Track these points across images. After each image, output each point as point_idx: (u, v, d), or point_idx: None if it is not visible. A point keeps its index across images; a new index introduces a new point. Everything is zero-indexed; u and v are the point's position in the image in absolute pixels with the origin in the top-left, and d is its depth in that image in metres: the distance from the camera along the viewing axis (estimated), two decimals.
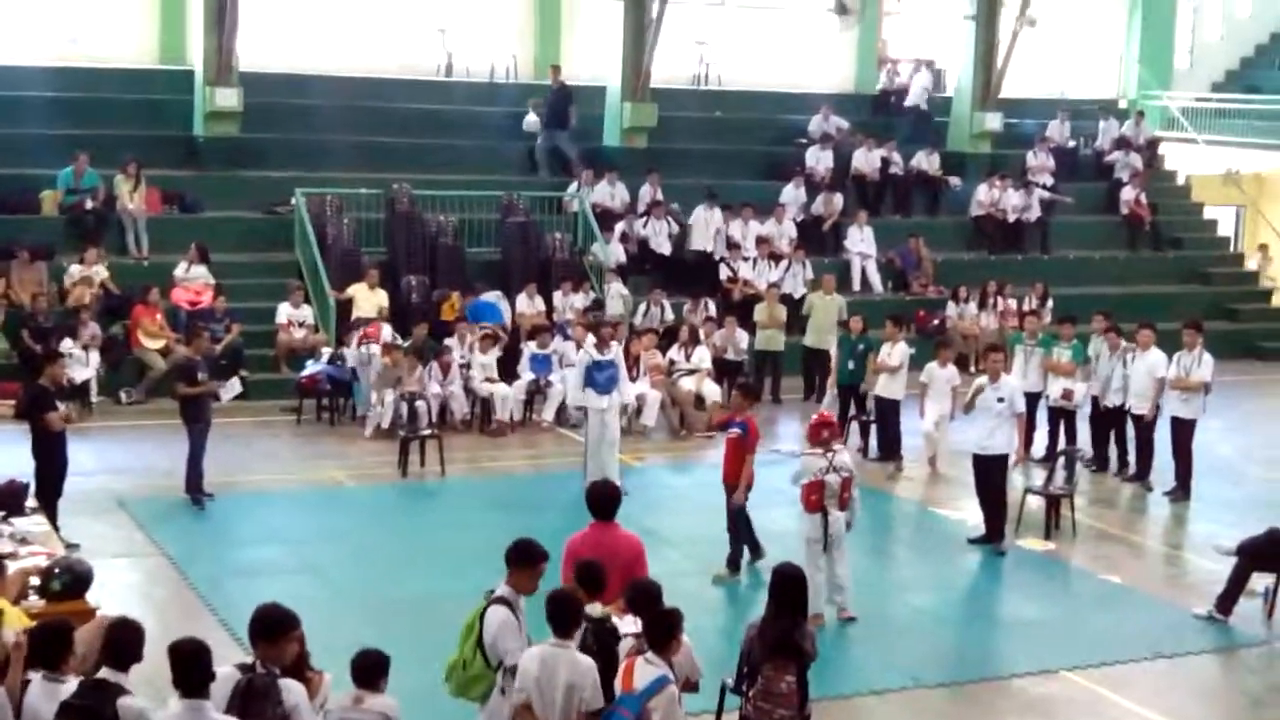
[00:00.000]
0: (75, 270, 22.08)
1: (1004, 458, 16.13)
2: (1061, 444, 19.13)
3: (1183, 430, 18.48)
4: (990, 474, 16.11)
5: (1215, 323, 26.87)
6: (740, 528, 14.68)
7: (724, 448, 14.78)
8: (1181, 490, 18.50)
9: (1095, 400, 19.32)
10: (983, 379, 16.52)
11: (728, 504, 14.57)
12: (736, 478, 14.43)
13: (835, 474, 13.27)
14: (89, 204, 23.30)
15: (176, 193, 24.91)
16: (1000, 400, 16.05)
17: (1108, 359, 19.24)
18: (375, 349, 20.65)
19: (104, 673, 7.55)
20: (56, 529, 14.31)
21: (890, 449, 19.61)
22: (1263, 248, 32.22)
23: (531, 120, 28.03)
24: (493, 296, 23.47)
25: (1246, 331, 29.67)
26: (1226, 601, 13.97)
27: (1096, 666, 12.79)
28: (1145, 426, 18.90)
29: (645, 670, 8.24)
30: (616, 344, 18.24)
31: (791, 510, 15.48)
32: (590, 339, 18.23)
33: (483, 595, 9.00)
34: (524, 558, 8.93)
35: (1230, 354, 25.88)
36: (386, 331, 21.39)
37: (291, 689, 7.70)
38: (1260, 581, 14.22)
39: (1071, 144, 32.36)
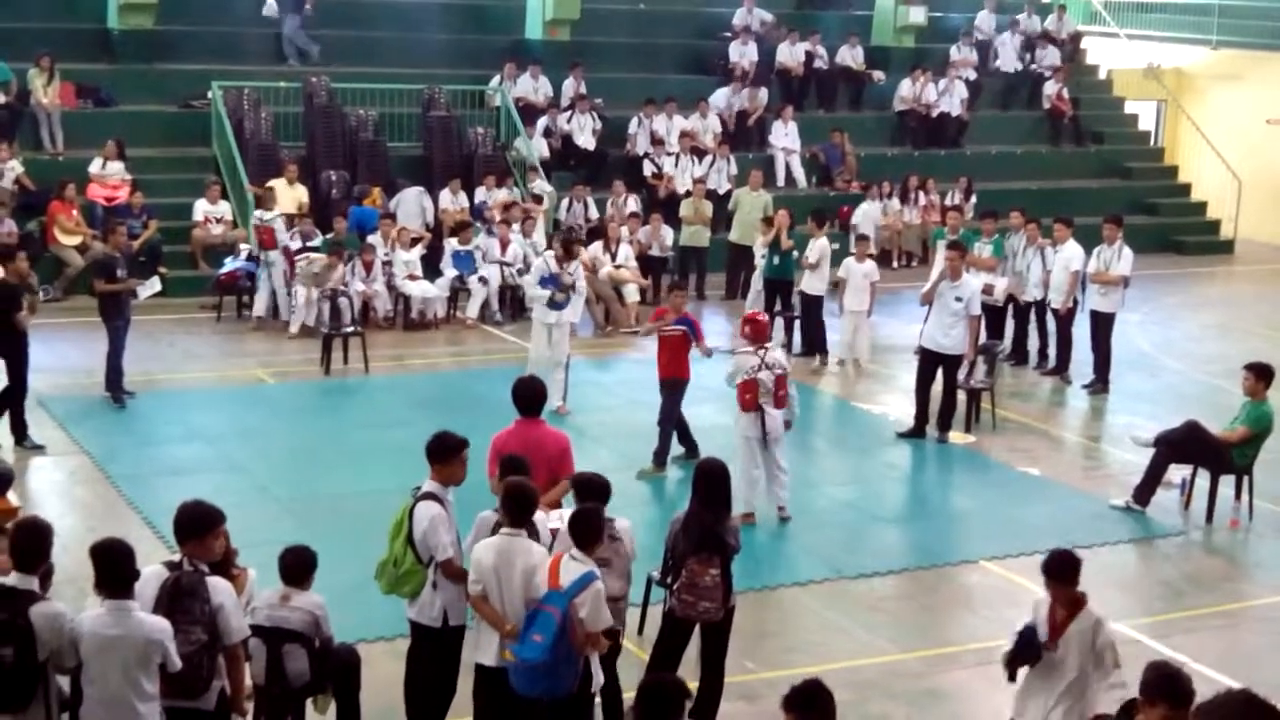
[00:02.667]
0: None
1: (960, 358, 16.31)
2: (982, 338, 19.26)
3: (1102, 323, 18.68)
4: (940, 370, 16.31)
5: (1135, 217, 27.17)
6: (672, 425, 14.74)
7: (658, 344, 14.82)
8: (1100, 383, 18.73)
9: (1012, 295, 19.44)
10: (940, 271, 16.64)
11: (666, 399, 14.63)
12: (676, 373, 14.47)
13: (768, 371, 13.30)
14: (1, 99, 22.83)
15: (91, 87, 24.45)
16: (958, 300, 16.13)
17: (1022, 253, 19.38)
18: (273, 254, 20.40)
19: (12, 579, 7.36)
20: (26, 428, 14.47)
21: (814, 344, 19.69)
22: None
23: (270, 5, 26.65)
24: (413, 191, 23.27)
25: (1166, 226, 29.94)
26: (1144, 492, 14.20)
27: (1015, 557, 12.98)
28: (1063, 320, 19.09)
29: (571, 567, 8.27)
30: (578, 262, 17.34)
31: (719, 406, 15.58)
32: (551, 252, 17.25)
33: (410, 492, 9.00)
34: (444, 450, 8.94)
35: (1149, 248, 26.17)
36: (283, 233, 20.90)
37: (218, 587, 7.68)
38: (1177, 473, 14.46)
39: (1001, 38, 32.32)
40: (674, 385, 14.64)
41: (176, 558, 7.80)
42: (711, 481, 9.55)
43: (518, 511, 8.53)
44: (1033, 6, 33.22)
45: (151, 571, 7.66)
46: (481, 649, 8.63)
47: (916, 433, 16.42)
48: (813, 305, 19.68)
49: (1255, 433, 14.03)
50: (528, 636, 8.13)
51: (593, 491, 9.03)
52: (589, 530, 8.45)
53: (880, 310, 19.73)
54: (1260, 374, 14.09)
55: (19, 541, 7.50)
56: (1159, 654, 10.92)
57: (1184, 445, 14.24)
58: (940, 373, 16.35)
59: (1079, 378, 18.99)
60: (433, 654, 8.99)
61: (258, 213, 20.91)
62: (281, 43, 26.32)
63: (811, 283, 19.62)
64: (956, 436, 16.47)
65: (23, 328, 14.58)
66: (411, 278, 21.02)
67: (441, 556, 8.74)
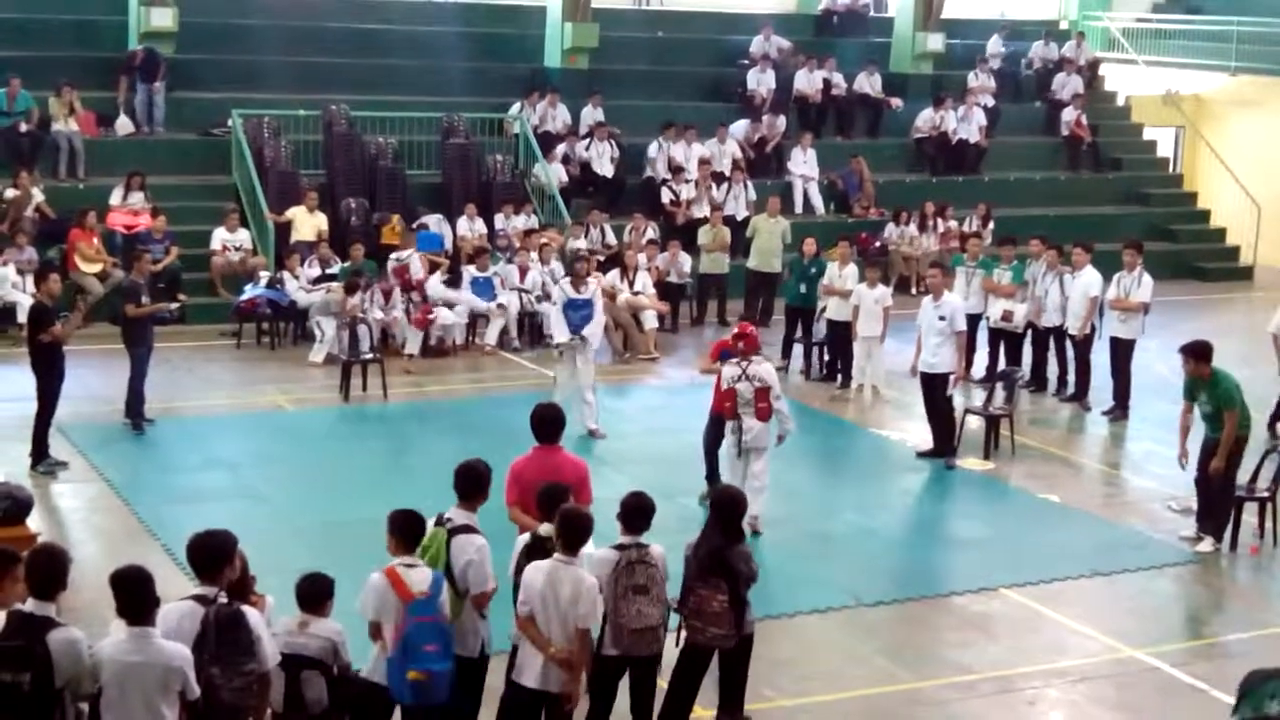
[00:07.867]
0: (9, 193, 21.77)
1: (948, 376, 16.27)
2: (1001, 365, 19.26)
3: (1122, 350, 18.63)
4: (935, 390, 16.32)
5: (1154, 243, 27.08)
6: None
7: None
8: (1120, 409, 18.67)
9: (1031, 321, 19.39)
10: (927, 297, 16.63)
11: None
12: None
13: (748, 383, 13.30)
14: (23, 126, 22.96)
15: (111, 115, 24.55)
16: (941, 319, 16.15)
17: (1042, 279, 19.34)
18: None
19: (30, 605, 7.33)
20: (47, 449, 14.52)
21: (842, 371, 19.62)
22: None
23: (124, 122, 24.54)
24: (433, 219, 23.34)
25: (1185, 252, 29.89)
26: (1219, 530, 13.99)
27: (1035, 584, 12.95)
28: (1082, 346, 19.05)
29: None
30: (594, 281, 17.36)
31: None
32: (565, 277, 17.29)
33: (439, 523, 8.92)
34: (478, 483, 9.01)
35: (1169, 274, 26.11)
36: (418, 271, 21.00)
37: (254, 615, 7.76)
38: (1194, 500, 14.37)
39: (1026, 69, 32.36)
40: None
41: (202, 590, 7.77)
42: (722, 507, 9.56)
43: (573, 540, 8.61)
44: (1051, 34, 33.28)
45: (185, 608, 7.65)
46: (524, 670, 8.65)
47: (937, 453, 16.41)
48: (840, 331, 19.58)
49: (1238, 408, 13.71)
50: None
51: (642, 513, 9.09)
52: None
53: (897, 336, 19.67)
54: (1199, 355, 13.79)
55: (36, 568, 7.47)
56: (1179, 682, 10.94)
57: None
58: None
59: (1098, 404, 18.94)
60: (466, 684, 8.93)
61: (395, 254, 21.04)
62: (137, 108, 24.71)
63: (841, 309, 19.52)
64: (975, 463, 16.43)
65: (57, 340, 14.69)
66: None
67: (488, 588, 8.76)
